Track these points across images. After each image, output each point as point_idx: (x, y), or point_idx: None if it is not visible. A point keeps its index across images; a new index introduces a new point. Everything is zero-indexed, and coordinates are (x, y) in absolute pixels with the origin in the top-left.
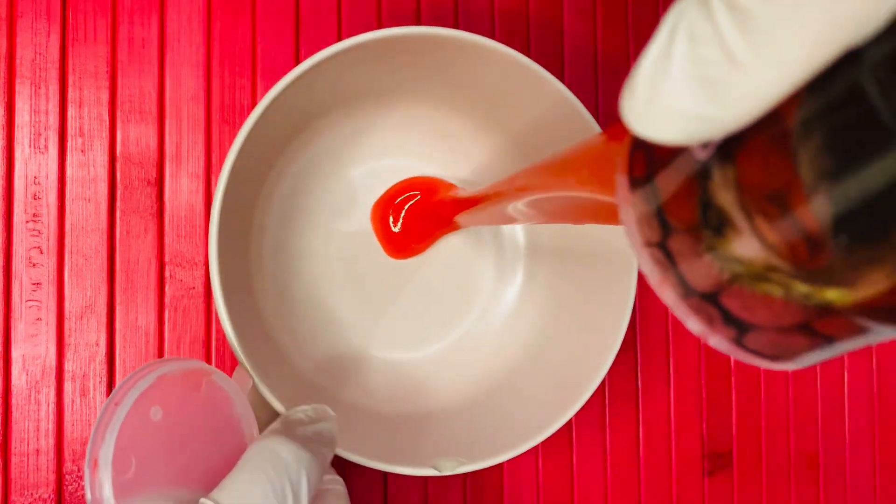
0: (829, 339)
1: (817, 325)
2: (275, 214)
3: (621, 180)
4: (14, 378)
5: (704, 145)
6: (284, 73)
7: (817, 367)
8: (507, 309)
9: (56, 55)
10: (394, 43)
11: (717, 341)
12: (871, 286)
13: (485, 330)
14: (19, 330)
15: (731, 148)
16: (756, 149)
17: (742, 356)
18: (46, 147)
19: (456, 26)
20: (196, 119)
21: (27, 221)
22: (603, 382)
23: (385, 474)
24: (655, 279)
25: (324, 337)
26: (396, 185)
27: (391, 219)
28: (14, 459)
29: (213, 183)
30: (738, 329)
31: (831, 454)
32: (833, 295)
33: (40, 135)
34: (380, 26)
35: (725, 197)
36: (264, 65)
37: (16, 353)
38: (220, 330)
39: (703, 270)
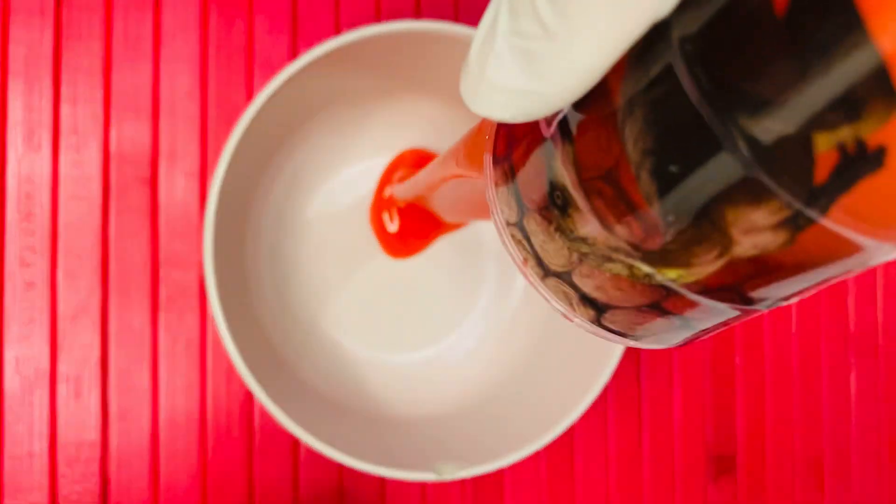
0: (683, 318)
1: (667, 305)
2: (271, 213)
3: (487, 159)
4: (7, 380)
5: (549, 122)
6: (281, 69)
7: (823, 371)
8: (509, 311)
9: (49, 52)
10: (392, 38)
11: (580, 322)
12: (704, 267)
13: (486, 332)
14: (12, 331)
15: (570, 125)
16: (589, 126)
17: (604, 336)
18: (39, 145)
19: (456, 20)
20: (191, 117)
21: (20, 221)
22: (605, 386)
23: (383, 479)
24: (519, 260)
25: (321, 338)
26: (384, 173)
27: (386, 216)
28: (7, 463)
29: (208, 181)
30: (596, 309)
31: (837, 459)
32: (673, 274)
33: (33, 133)
34: (378, 21)
35: (566, 176)
36: (260, 61)
37: (9, 355)
38: (215, 331)
39: (555, 250)
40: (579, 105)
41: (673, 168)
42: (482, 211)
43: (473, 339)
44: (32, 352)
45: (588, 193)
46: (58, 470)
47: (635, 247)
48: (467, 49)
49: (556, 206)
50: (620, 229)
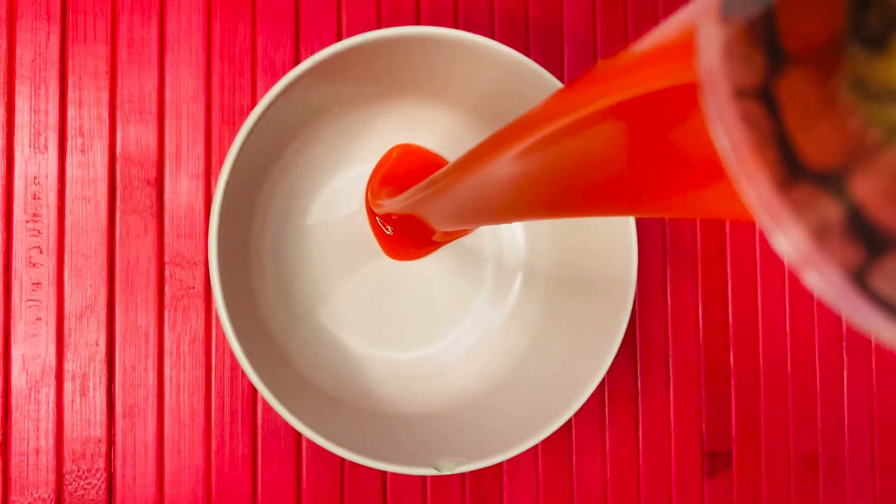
0: None
1: None
2: (275, 214)
3: (704, 5)
4: (14, 378)
5: None
6: (284, 72)
7: (816, 366)
8: (507, 308)
9: (56, 55)
10: (393, 43)
11: (824, 275)
12: None
13: (485, 329)
14: (19, 330)
15: None
16: None
17: (858, 309)
18: (46, 147)
19: (456, 26)
20: (196, 119)
21: (27, 221)
22: (602, 382)
23: (384, 474)
24: (743, 158)
25: (323, 336)
26: (373, 173)
27: (379, 220)
28: (14, 459)
29: (213, 183)
30: (869, 248)
31: (831, 454)
32: None
33: (40, 135)
34: (380, 26)
35: None
36: (264, 65)
37: (15, 353)
38: (219, 329)
39: (832, 128)
40: None
41: None
42: (498, 207)
43: (472, 336)
44: (39, 350)
45: None
46: (64, 466)
47: None
48: (467, 53)
49: (861, 38)
50: None
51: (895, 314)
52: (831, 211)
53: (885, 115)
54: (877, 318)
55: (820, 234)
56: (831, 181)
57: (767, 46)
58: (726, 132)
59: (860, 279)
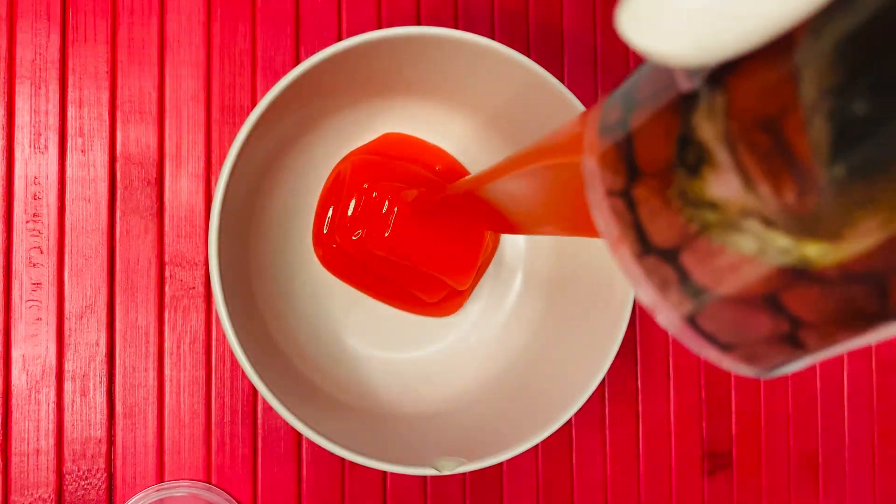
0: (795, 322)
1: (786, 299)
2: (275, 214)
3: (591, 120)
4: (14, 378)
5: (692, 73)
6: (284, 72)
7: (817, 367)
8: (506, 308)
9: (56, 55)
10: (394, 43)
11: (668, 317)
12: (858, 239)
13: (485, 329)
14: (19, 330)
15: (724, 72)
16: (752, 69)
17: (692, 341)
18: (46, 147)
19: (456, 26)
20: (196, 119)
21: (27, 221)
22: (602, 382)
23: (384, 474)
24: (613, 236)
25: (324, 336)
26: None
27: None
28: (14, 459)
29: (213, 183)
30: (694, 299)
31: (831, 454)
32: (814, 251)
33: (40, 135)
34: (380, 27)
35: (709, 129)
36: (264, 65)
37: (16, 353)
38: (220, 330)
39: (668, 221)
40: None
41: (861, 108)
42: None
43: (472, 336)
44: (39, 350)
45: (735, 147)
46: (64, 466)
47: (779, 211)
48: (468, 53)
49: (684, 165)
50: (766, 189)
51: (716, 343)
52: (670, 274)
53: (699, 216)
54: (704, 346)
55: (663, 289)
56: (669, 255)
57: (627, 162)
58: (602, 219)
59: (691, 320)
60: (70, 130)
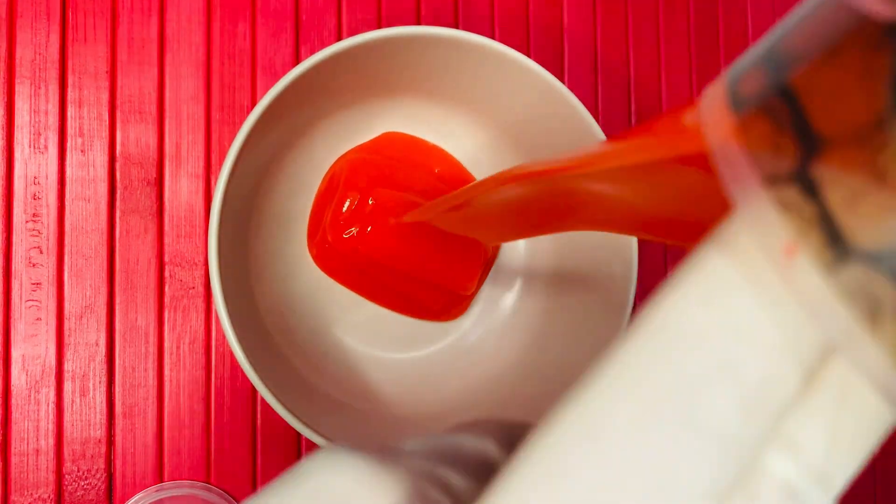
0: None
1: None
2: (275, 214)
3: (707, 102)
4: (14, 378)
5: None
6: (284, 72)
7: None
8: (507, 309)
9: (56, 55)
10: (393, 43)
11: (874, 353)
12: None
13: (486, 330)
14: (19, 330)
15: None
16: None
17: None
18: (46, 147)
19: (456, 26)
20: (196, 119)
21: (27, 221)
22: None
23: None
24: (780, 243)
25: (323, 337)
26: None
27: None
28: (14, 459)
29: (213, 183)
30: None
31: None
32: None
33: (40, 135)
34: (380, 26)
35: None
36: (264, 64)
37: (15, 353)
38: (219, 330)
39: (881, 205)
40: None
41: None
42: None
43: (472, 336)
44: (39, 350)
45: None
46: (64, 466)
47: None
48: (468, 53)
49: None
50: None
51: None
52: (886, 290)
53: None
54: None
55: (873, 319)
56: (885, 259)
57: (798, 132)
58: (760, 221)
59: None
60: (70, 130)
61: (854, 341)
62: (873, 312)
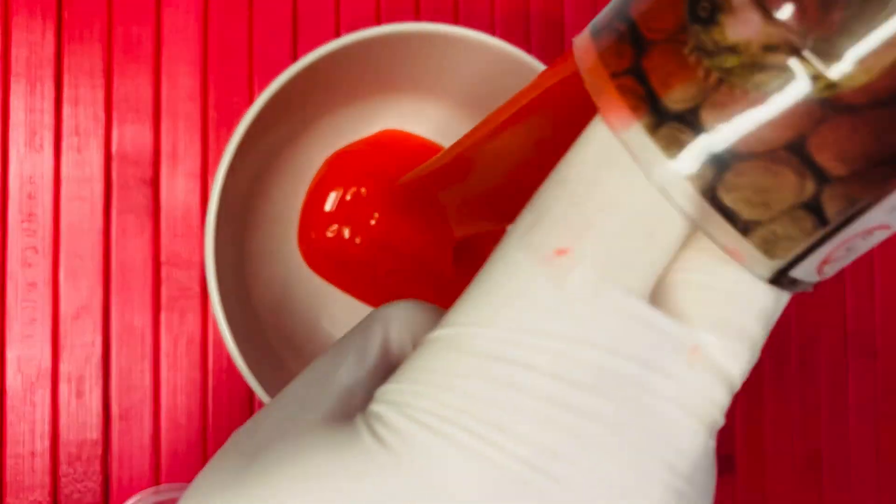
0: (819, 178)
1: (813, 145)
2: (272, 214)
3: (578, 39)
4: (9, 379)
5: None
6: (281, 70)
7: (821, 371)
8: None
9: (51, 53)
10: (391, 40)
11: (683, 191)
12: (888, 51)
13: None
14: (14, 331)
15: None
16: None
17: (707, 224)
18: (41, 146)
19: (456, 22)
20: (192, 118)
21: (22, 221)
22: None
23: None
24: (623, 117)
25: (321, 338)
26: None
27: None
28: (9, 462)
29: (209, 182)
30: (716, 165)
31: (835, 458)
32: (841, 73)
33: (35, 134)
34: (378, 22)
35: None
36: (261, 63)
37: (10, 355)
38: (216, 331)
39: (684, 79)
40: None
41: None
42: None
43: None
44: (34, 351)
45: None
46: (59, 469)
47: (803, 32)
48: (468, 49)
49: (698, 21)
50: (788, 10)
51: (736, 223)
52: (686, 136)
53: (719, 63)
54: (722, 229)
55: (679, 150)
56: (688, 116)
57: (632, 41)
58: (608, 104)
59: (712, 194)
60: (65, 129)
61: (671, 182)
62: (678, 149)
